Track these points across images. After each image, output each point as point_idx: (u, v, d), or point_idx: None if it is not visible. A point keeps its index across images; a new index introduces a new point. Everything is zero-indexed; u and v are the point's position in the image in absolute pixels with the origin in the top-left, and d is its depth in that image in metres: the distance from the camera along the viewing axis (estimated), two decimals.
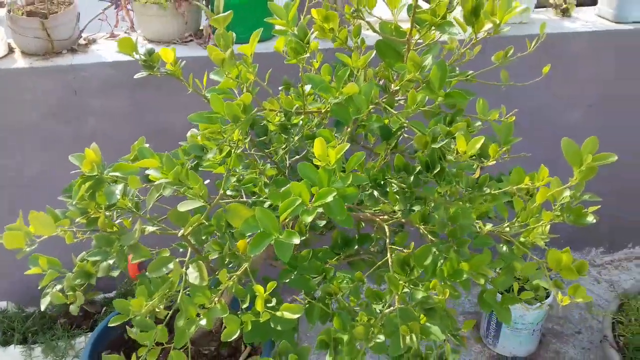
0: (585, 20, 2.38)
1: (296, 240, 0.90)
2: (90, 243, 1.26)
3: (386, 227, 1.28)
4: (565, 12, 2.40)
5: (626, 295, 2.30)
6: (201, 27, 2.06)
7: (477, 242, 1.26)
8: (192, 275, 1.07)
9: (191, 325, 1.08)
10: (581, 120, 2.45)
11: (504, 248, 1.27)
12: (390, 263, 1.16)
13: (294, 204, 0.93)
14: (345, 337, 1.07)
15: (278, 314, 1.06)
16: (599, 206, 1.17)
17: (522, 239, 1.24)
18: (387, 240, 1.23)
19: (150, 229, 1.05)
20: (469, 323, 1.23)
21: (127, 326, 1.18)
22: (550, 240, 1.21)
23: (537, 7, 2.39)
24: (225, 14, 0.99)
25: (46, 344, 1.85)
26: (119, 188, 1.01)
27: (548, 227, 1.21)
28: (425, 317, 1.05)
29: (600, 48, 2.32)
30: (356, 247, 1.40)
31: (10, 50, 1.93)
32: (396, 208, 1.28)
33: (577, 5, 2.44)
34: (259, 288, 1.05)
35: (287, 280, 1.31)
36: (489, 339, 2.38)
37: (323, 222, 1.45)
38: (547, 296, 2.22)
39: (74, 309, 1.16)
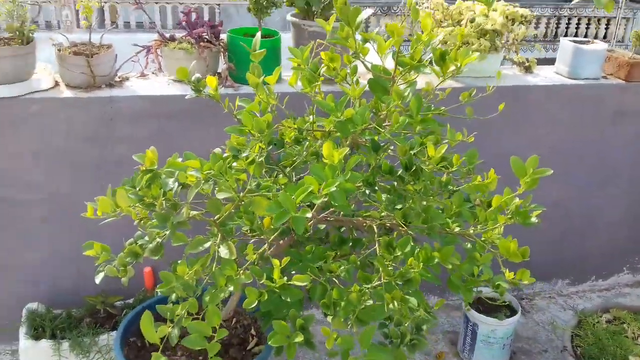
0: (544, 76, 2.80)
1: (309, 215, 1.21)
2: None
3: (374, 226, 1.59)
4: (528, 69, 2.82)
5: (584, 314, 2.61)
6: (219, 70, 2.42)
7: (447, 240, 1.58)
8: (223, 252, 1.37)
9: (221, 293, 1.37)
10: (544, 158, 2.83)
11: (469, 245, 1.59)
12: (378, 251, 1.47)
13: (307, 191, 1.25)
14: (342, 303, 1.37)
15: (290, 282, 1.35)
16: (542, 210, 1.51)
17: (483, 238, 1.56)
18: (375, 235, 1.54)
19: (193, 212, 1.35)
20: (440, 302, 1.53)
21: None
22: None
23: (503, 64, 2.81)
24: (261, 50, 1.34)
25: (73, 339, 2.08)
26: (171, 180, 1.32)
27: (502, 228, 1.53)
28: (405, 288, 1.36)
29: (557, 99, 2.73)
30: (350, 244, 1.70)
31: (56, 84, 2.26)
32: (383, 214, 1.60)
33: (538, 64, 2.87)
34: (275, 261, 1.35)
35: (293, 272, 1.60)
36: (465, 353, 2.64)
37: (323, 226, 1.76)
38: (515, 314, 2.52)
39: (125, 281, 1.43)
